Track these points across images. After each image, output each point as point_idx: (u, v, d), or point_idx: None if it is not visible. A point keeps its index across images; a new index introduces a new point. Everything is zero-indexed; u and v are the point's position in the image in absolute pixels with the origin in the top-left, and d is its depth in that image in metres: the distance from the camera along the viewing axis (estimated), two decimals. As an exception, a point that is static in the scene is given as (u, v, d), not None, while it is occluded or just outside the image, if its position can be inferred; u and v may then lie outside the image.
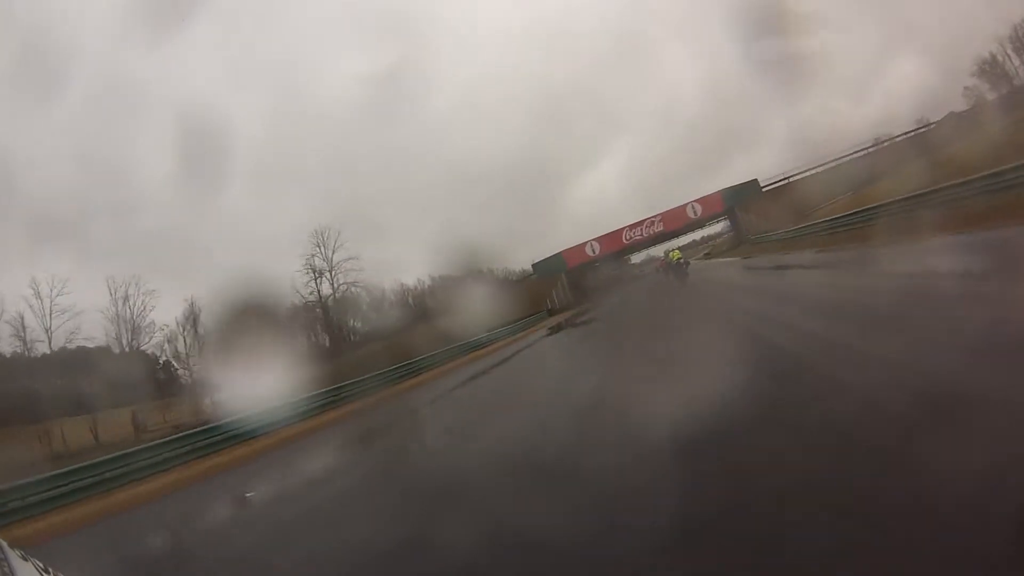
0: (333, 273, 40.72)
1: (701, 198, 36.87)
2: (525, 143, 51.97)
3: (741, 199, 36.01)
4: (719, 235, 67.75)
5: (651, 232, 37.12)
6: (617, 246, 37.62)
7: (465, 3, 53.19)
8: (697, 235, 56.81)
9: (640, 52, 54.12)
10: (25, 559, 1.45)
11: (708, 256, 56.06)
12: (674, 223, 36.88)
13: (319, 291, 39.87)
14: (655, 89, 54.41)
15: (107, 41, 38.01)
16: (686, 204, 36.81)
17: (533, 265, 39.35)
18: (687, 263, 23.24)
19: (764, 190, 36.92)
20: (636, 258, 51.96)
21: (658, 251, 44.39)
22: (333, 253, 40.83)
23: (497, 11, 51.38)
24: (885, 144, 37.96)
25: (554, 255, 38.42)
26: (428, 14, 50.27)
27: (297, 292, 38.98)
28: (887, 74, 42.72)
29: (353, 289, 40.63)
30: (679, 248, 29.96)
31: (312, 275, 39.69)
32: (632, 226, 37.43)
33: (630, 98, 53.31)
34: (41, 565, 1.49)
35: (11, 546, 1.47)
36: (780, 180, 37.41)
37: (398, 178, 48.56)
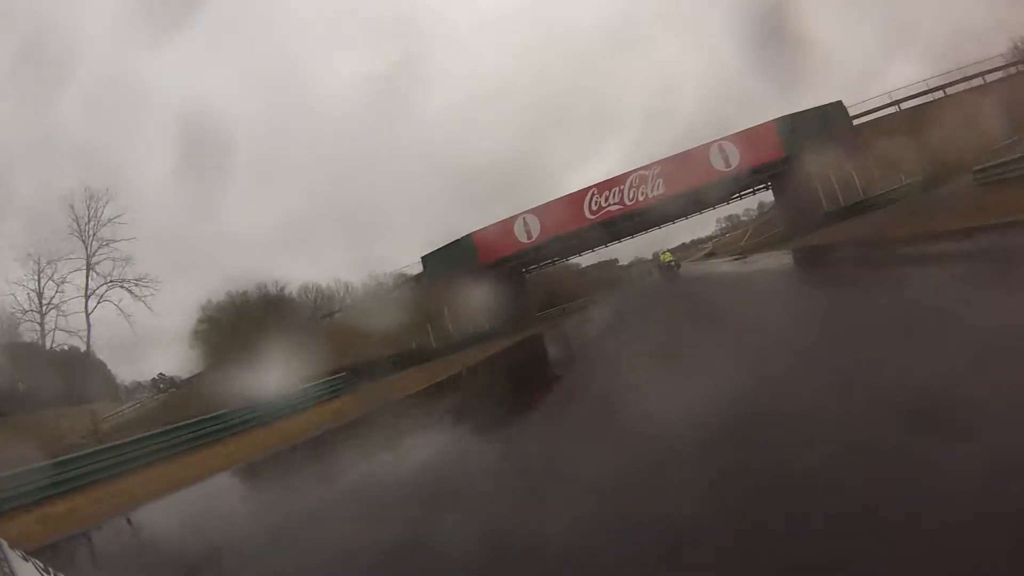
0: (91, 262, 22.86)
1: (737, 134, 19.04)
2: (520, 139, 45.29)
3: (818, 133, 18.11)
4: (713, 237, 51.51)
5: (640, 199, 19.24)
6: (574, 223, 19.57)
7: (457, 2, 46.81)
8: (686, 236, 46.59)
9: (637, 49, 46.61)
10: (25, 559, 1.45)
11: (711, 255, 41.45)
12: (685, 179, 18.85)
13: (39, 294, 21.92)
14: (651, 86, 48.04)
15: (108, 41, 35.12)
16: (709, 144, 18.95)
17: (423, 258, 21.37)
18: (678, 265, 20.05)
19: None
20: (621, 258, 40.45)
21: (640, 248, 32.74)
22: (96, 230, 23.03)
23: (491, 9, 44.04)
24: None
25: (458, 240, 20.43)
26: (420, 12, 43.70)
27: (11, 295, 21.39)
28: (886, 74, 38.80)
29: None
30: (669, 250, 23.15)
31: (34, 266, 21.82)
32: (604, 186, 19.52)
33: (627, 95, 46.94)
34: (41, 565, 1.49)
35: (11, 546, 1.44)
36: (886, 104, 19.64)
37: (393, 176, 41.13)
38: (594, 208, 19.18)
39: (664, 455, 2.76)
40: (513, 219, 19.69)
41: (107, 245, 22.97)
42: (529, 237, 19.35)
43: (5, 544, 1.40)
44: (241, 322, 22.23)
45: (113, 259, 23.01)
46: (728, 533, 1.85)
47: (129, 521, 5.87)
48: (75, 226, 22.76)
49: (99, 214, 23.13)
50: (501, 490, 3.26)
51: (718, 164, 18.64)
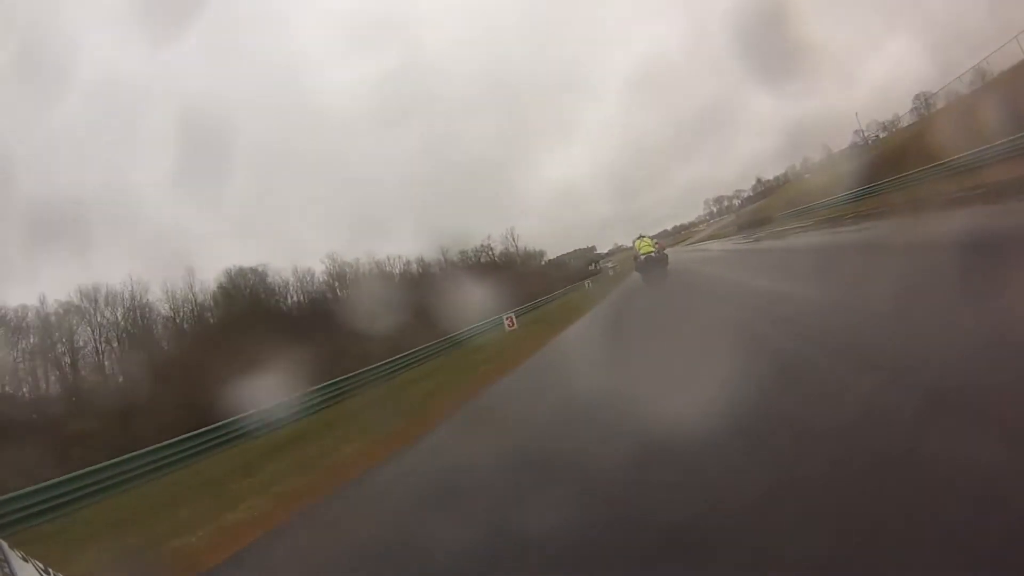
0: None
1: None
2: (494, 130, 49.28)
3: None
4: (698, 223, 47.82)
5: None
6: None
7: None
8: (667, 223, 42.83)
9: (614, 30, 49.09)
10: (26, 560, 1.40)
11: (753, 232, 30.86)
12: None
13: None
14: (631, 69, 50.78)
15: (108, 41, 36.56)
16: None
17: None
18: (664, 257, 16.70)
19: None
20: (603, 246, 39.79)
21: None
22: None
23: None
24: None
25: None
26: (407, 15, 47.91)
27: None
28: (881, 59, 38.06)
29: None
30: (649, 237, 19.19)
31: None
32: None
33: (605, 80, 50.03)
34: (41, 566, 1.43)
35: (12, 547, 1.41)
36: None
37: (391, 176, 44.32)
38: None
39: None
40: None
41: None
42: None
43: (5, 544, 1.37)
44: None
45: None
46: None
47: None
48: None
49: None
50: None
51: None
